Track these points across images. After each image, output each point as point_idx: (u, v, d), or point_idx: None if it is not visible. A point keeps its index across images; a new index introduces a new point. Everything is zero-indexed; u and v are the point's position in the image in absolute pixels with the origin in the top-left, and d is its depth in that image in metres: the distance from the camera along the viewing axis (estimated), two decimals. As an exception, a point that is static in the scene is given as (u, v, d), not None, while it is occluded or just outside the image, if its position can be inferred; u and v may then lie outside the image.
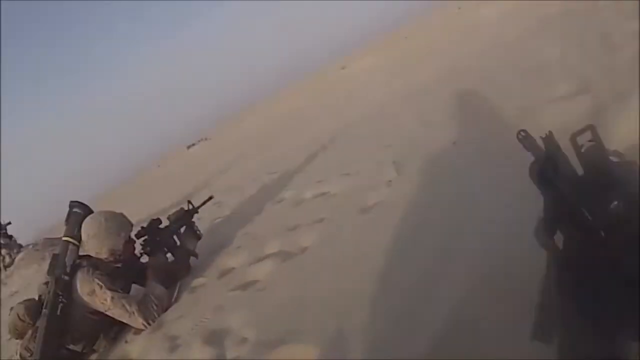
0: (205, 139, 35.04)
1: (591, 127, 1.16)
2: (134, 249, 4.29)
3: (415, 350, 1.96)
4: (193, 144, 36.35)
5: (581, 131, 1.14)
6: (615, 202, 1.01)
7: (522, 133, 1.45)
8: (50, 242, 19.71)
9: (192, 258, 4.57)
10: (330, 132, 8.97)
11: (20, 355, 3.83)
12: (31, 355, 3.68)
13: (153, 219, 4.48)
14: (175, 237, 4.51)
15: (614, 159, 1.20)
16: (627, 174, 1.11)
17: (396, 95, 9.04)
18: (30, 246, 20.48)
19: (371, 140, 6.43)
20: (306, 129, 11.38)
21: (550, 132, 1.47)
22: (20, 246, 21.26)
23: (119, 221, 4.07)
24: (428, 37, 17.14)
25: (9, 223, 21.64)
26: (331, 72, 27.09)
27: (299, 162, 7.66)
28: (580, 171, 1.18)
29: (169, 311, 3.82)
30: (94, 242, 3.90)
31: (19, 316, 4.07)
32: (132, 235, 4.25)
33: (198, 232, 4.73)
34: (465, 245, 2.57)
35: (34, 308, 4.05)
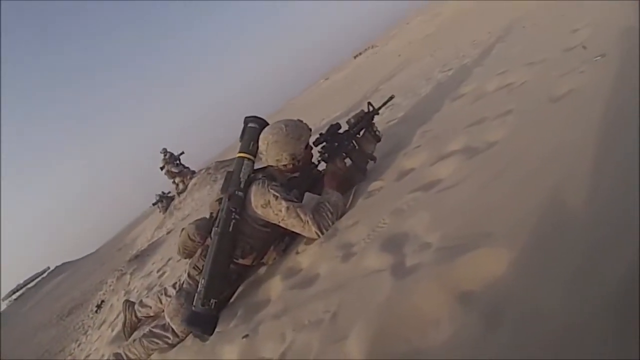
0: (372, 46, 34.52)
1: None
2: (312, 155, 4.22)
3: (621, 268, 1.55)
4: (360, 53, 36.14)
5: None
6: None
7: None
8: (222, 165, 21.30)
9: (369, 162, 4.39)
10: (505, 24, 8.17)
11: (189, 274, 3.98)
12: (199, 273, 3.79)
13: (332, 124, 4.32)
14: (354, 141, 4.32)
15: None
16: None
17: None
18: (203, 171, 22.29)
19: (555, 26, 5.69)
20: (479, 25, 10.50)
21: None
22: (194, 172, 23.29)
23: (298, 126, 4.00)
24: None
25: (182, 153, 23.68)
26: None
27: (474, 57, 7.09)
28: None
29: (343, 218, 3.67)
30: (275, 148, 3.87)
31: (189, 235, 4.23)
32: (311, 142, 4.17)
33: (378, 133, 4.49)
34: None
35: (204, 226, 4.17)
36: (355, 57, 35.91)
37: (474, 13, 14.19)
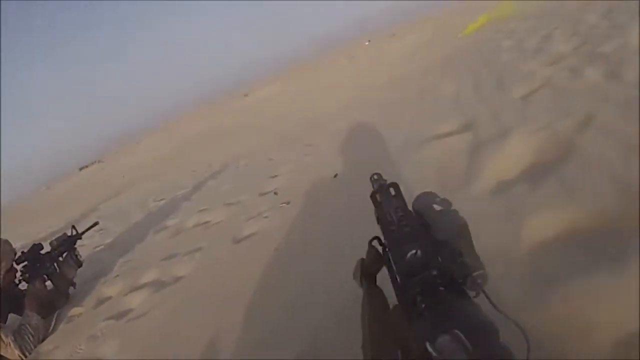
0: (99, 161, 33.63)
1: (394, 185, 1.21)
2: (15, 276, 4.06)
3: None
4: (86, 166, 34.80)
5: (383, 187, 1.19)
6: (413, 252, 1.04)
7: (375, 176, 1.55)
8: None
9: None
10: (223, 160, 9.00)
11: None
12: None
13: (35, 244, 4.22)
14: (55, 264, 4.28)
15: (437, 207, 1.21)
16: (440, 223, 1.13)
17: (294, 125, 9.27)
18: None
19: (261, 170, 6.49)
20: (201, 156, 11.30)
21: (379, 174, 1.59)
22: None
23: (1, 250, 3.85)
24: (335, 68, 17.67)
25: None
26: (234, 98, 27.13)
27: (187, 189, 7.61)
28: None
29: (45, 342, 3.63)
30: None
31: None
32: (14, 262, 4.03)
33: (79, 259, 4.52)
34: (326, 280, 2.66)
35: None
36: (80, 170, 34.46)
37: (203, 142, 15.07)
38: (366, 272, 1.20)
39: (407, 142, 4.54)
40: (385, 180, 1.51)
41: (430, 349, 0.68)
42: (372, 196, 1.24)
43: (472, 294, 0.98)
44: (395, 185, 1.33)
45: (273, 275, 3.00)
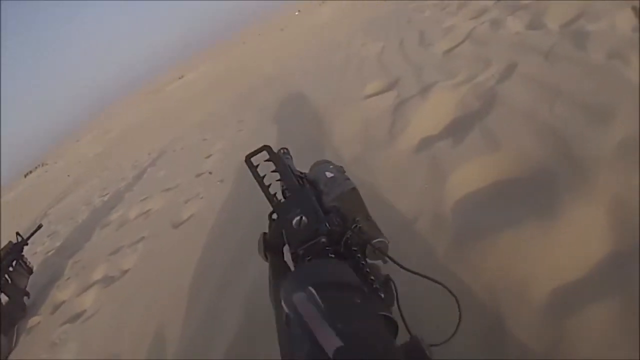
0: (43, 164, 32.51)
1: (267, 148, 1.12)
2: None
3: (215, 353, 2.08)
4: (30, 172, 33.60)
5: (256, 152, 1.11)
6: (298, 218, 0.99)
7: (284, 150, 1.49)
8: None
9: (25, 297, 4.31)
10: (161, 146, 8.89)
11: None
12: None
13: None
14: (6, 275, 4.17)
15: (328, 174, 1.16)
16: (329, 190, 1.10)
17: (226, 102, 9.18)
18: None
19: (196, 152, 6.46)
20: (143, 144, 11.07)
21: (286, 149, 1.57)
22: None
23: None
24: (267, 41, 17.41)
25: None
26: (169, 81, 26.50)
27: (129, 180, 7.52)
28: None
29: (10, 358, 3.60)
30: None
31: None
32: None
33: (29, 265, 4.46)
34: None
35: None
36: (25, 176, 33.27)
37: (141, 130, 14.75)
38: (269, 246, 1.12)
39: (335, 106, 4.57)
40: (289, 157, 1.46)
41: (284, 306, 0.64)
42: (247, 160, 1.13)
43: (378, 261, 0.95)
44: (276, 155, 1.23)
45: (209, 254, 3.05)
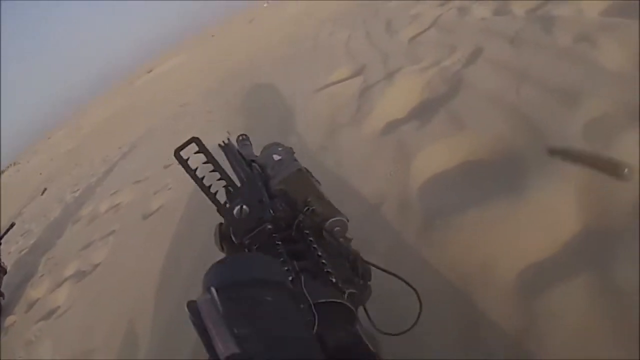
0: (15, 163, 31.91)
1: (195, 140, 1.10)
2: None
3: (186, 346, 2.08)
4: (2, 171, 32.98)
5: (185, 145, 1.08)
6: (238, 208, 0.96)
7: (242, 136, 1.49)
8: None
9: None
10: (133, 140, 8.81)
11: None
12: None
13: None
14: None
15: (276, 157, 1.14)
16: (276, 173, 1.06)
17: (196, 94, 9.11)
18: None
19: (167, 143, 6.34)
20: (114, 138, 10.96)
21: (245, 135, 1.55)
22: None
23: None
24: (234, 34, 17.24)
25: None
26: (139, 76, 26.16)
27: (99, 175, 7.48)
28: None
29: None
30: None
31: None
32: None
33: (3, 266, 4.42)
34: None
35: None
36: (-3, 177, 32.70)
37: (113, 125, 14.59)
38: (225, 236, 1.06)
39: (302, 94, 4.55)
40: (248, 144, 1.47)
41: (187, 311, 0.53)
42: (176, 154, 1.10)
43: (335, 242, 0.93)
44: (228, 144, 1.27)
45: (178, 245, 3.05)
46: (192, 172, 1.08)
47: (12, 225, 4.96)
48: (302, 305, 0.65)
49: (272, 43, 9.55)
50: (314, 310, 0.66)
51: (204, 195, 1.05)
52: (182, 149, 1.07)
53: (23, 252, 5.95)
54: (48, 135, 31.64)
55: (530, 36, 2.87)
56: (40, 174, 15.26)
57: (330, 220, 0.95)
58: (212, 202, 1.04)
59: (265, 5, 23.28)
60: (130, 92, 22.32)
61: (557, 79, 2.23)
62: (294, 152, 1.18)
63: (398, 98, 3.17)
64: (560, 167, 1.63)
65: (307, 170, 1.08)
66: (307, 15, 10.98)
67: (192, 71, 14.04)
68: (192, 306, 0.53)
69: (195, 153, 1.09)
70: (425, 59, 3.54)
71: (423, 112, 2.79)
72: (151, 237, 3.48)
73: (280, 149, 1.19)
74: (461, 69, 3.00)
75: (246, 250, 0.93)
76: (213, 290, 0.54)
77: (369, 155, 2.63)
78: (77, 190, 7.51)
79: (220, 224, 1.09)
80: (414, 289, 0.88)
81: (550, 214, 1.55)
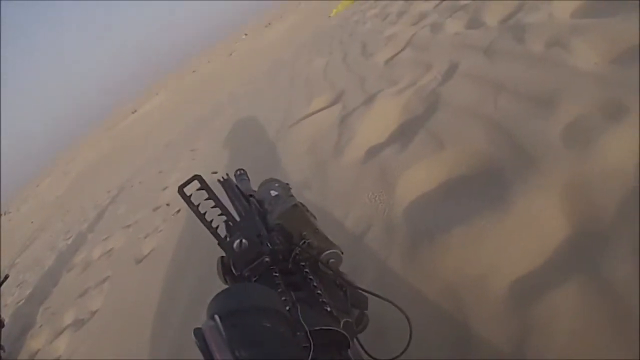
0: (5, 213, 31.55)
1: (197, 177, 1.10)
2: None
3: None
4: (-6, 222, 32.55)
5: (188, 182, 1.08)
6: (238, 241, 0.99)
7: (240, 171, 1.51)
8: None
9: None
10: (120, 183, 8.88)
11: None
12: None
13: None
14: None
15: (273, 192, 1.18)
16: (274, 209, 1.09)
17: (179, 132, 9.25)
18: None
19: (153, 185, 6.49)
20: (99, 183, 11.02)
21: (242, 170, 1.59)
22: None
23: None
24: (215, 69, 17.38)
25: None
26: (123, 117, 26.21)
27: (91, 221, 7.51)
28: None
29: None
30: None
31: None
32: None
33: (0, 319, 4.44)
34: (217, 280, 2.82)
35: None
36: (-11, 227, 32.28)
37: (100, 169, 14.59)
38: (227, 269, 1.07)
39: (283, 126, 4.62)
40: (246, 179, 1.50)
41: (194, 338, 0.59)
42: (180, 190, 1.10)
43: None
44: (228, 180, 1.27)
45: (171, 288, 3.13)
46: (194, 208, 1.08)
47: (7, 277, 4.99)
48: (298, 333, 0.69)
49: (252, 75, 9.70)
50: (309, 337, 0.69)
51: (206, 229, 1.09)
52: (185, 186, 1.08)
53: (20, 303, 5.95)
54: (36, 183, 31.42)
55: (504, 46, 2.93)
56: (32, 222, 15.18)
57: (326, 253, 0.98)
58: (214, 236, 1.06)
59: (243, 37, 23.72)
60: (116, 133, 22.37)
61: (532, 87, 2.27)
62: (291, 188, 1.24)
63: (377, 122, 3.21)
64: (541, 175, 1.67)
65: (303, 205, 1.11)
66: (284, 44, 11.14)
67: (174, 110, 14.16)
68: (198, 332, 0.59)
69: (198, 190, 1.09)
70: (402, 80, 3.60)
71: (403, 134, 2.83)
72: (145, 281, 3.55)
73: (277, 184, 1.24)
74: (437, 87, 3.04)
75: (246, 281, 0.96)
76: (217, 317, 0.60)
77: (353, 183, 2.66)
78: (70, 237, 7.53)
79: (222, 257, 1.10)
80: (405, 314, 0.90)
81: (536, 222, 1.56)
